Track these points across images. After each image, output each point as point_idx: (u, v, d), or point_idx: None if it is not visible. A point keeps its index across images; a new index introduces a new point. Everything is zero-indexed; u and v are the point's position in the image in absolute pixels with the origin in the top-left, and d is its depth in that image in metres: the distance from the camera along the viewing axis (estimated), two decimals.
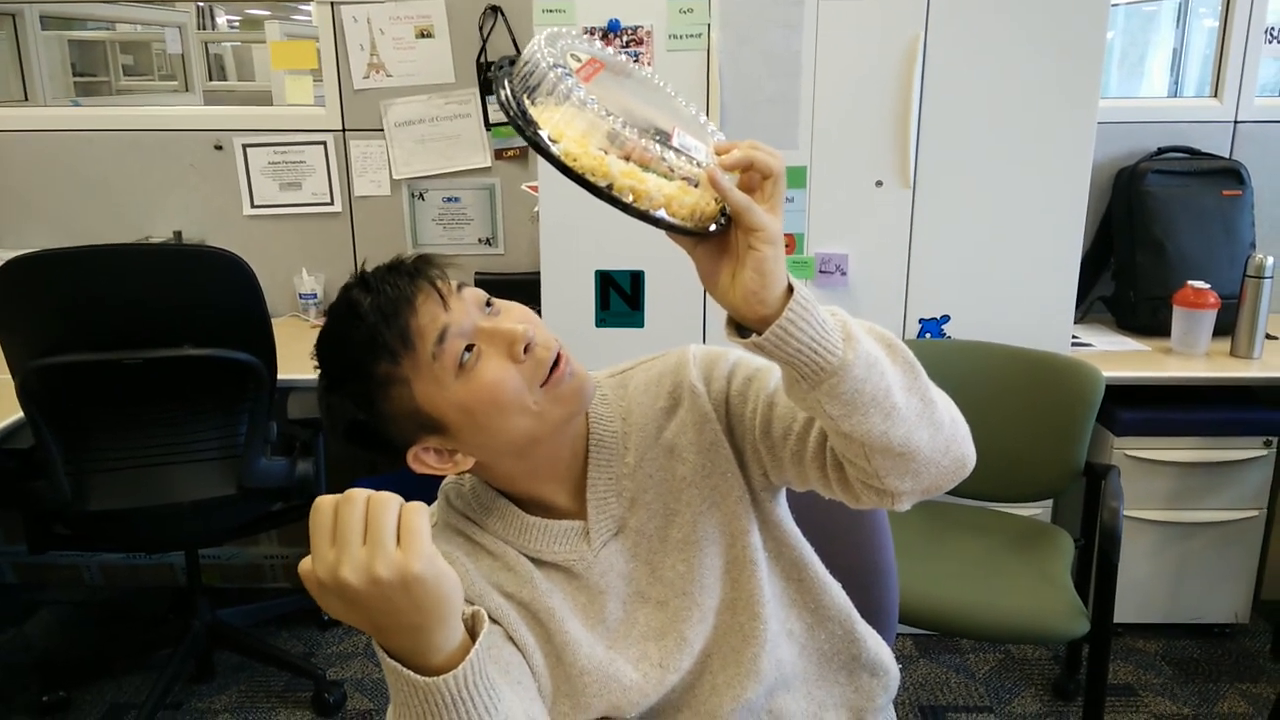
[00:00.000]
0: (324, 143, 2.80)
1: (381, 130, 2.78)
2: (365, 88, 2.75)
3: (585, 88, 0.79)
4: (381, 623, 0.73)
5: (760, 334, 0.80)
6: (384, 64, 2.73)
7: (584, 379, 0.96)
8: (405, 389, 0.91)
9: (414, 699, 0.76)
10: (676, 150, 0.81)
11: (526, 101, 0.80)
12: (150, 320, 1.92)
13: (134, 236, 2.82)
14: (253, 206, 2.85)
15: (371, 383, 0.91)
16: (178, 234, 2.85)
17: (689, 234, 0.81)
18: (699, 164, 0.80)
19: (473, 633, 0.78)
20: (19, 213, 2.86)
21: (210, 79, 5.79)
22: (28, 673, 2.50)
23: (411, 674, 0.75)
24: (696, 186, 0.80)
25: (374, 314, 0.90)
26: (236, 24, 7.03)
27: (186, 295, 1.95)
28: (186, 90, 5.42)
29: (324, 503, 0.72)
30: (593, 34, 2.18)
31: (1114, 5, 2.88)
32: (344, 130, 2.79)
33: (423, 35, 2.71)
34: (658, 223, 0.79)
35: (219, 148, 2.81)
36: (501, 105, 0.81)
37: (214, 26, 6.40)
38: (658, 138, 0.81)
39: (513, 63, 0.84)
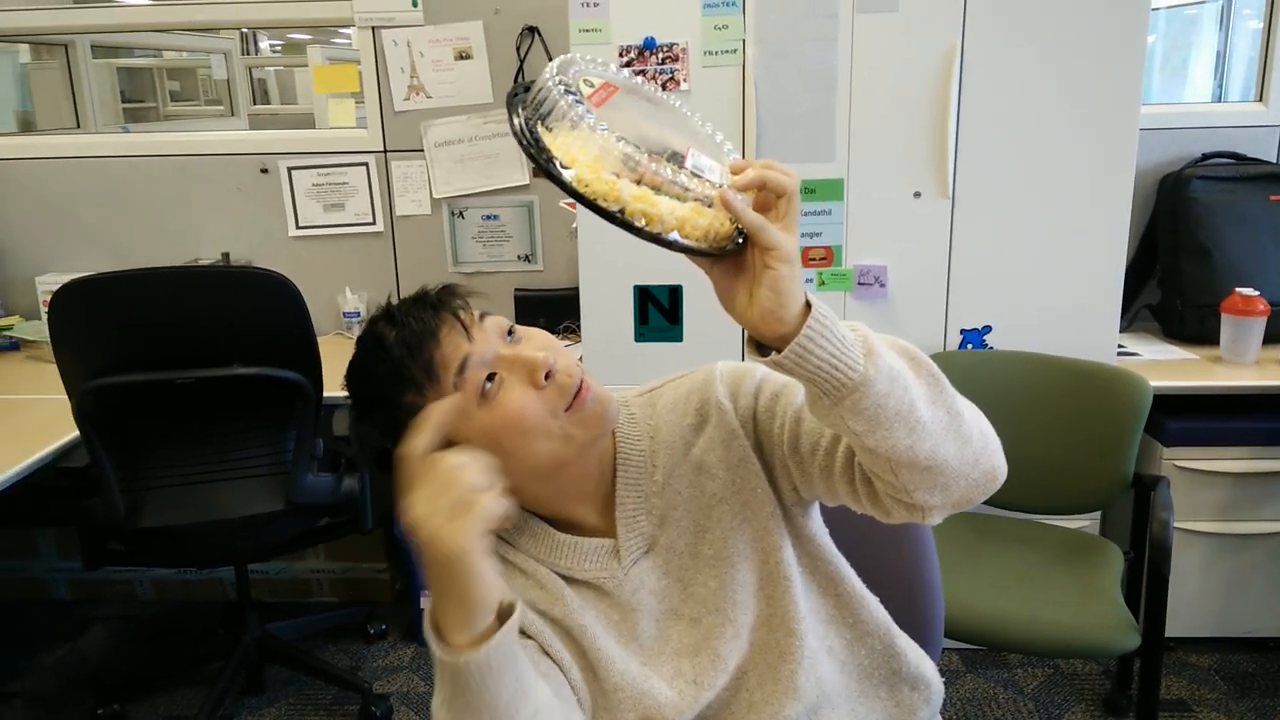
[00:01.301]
0: (366, 164, 2.85)
1: (422, 151, 2.82)
2: (406, 109, 2.80)
3: (597, 113, 0.80)
4: (433, 579, 0.79)
5: (780, 352, 0.80)
6: (424, 86, 2.78)
7: (608, 402, 0.97)
8: None
9: (444, 675, 0.80)
10: (690, 172, 0.81)
11: (541, 129, 0.81)
12: (200, 340, 1.97)
13: (183, 259, 2.89)
14: (298, 227, 2.90)
15: (398, 413, 0.93)
16: (225, 256, 2.91)
17: (704, 255, 0.81)
18: (713, 185, 0.81)
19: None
20: (71, 237, 2.94)
21: (254, 103, 5.93)
22: (83, 687, 2.56)
23: (439, 648, 0.79)
24: (711, 207, 0.80)
25: (399, 347, 0.92)
26: (279, 49, 7.19)
27: (235, 315, 2.00)
28: (232, 114, 5.55)
29: (440, 459, 0.78)
30: (628, 51, 2.20)
31: (1155, 9, 2.85)
32: (385, 151, 2.84)
33: (461, 57, 2.76)
34: (671, 245, 0.79)
35: (265, 171, 2.87)
36: (515, 134, 0.82)
37: (257, 52, 6.55)
38: (672, 159, 0.82)
39: (527, 89, 0.85)
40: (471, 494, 0.76)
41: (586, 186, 0.78)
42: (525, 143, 0.81)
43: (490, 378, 0.93)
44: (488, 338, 0.95)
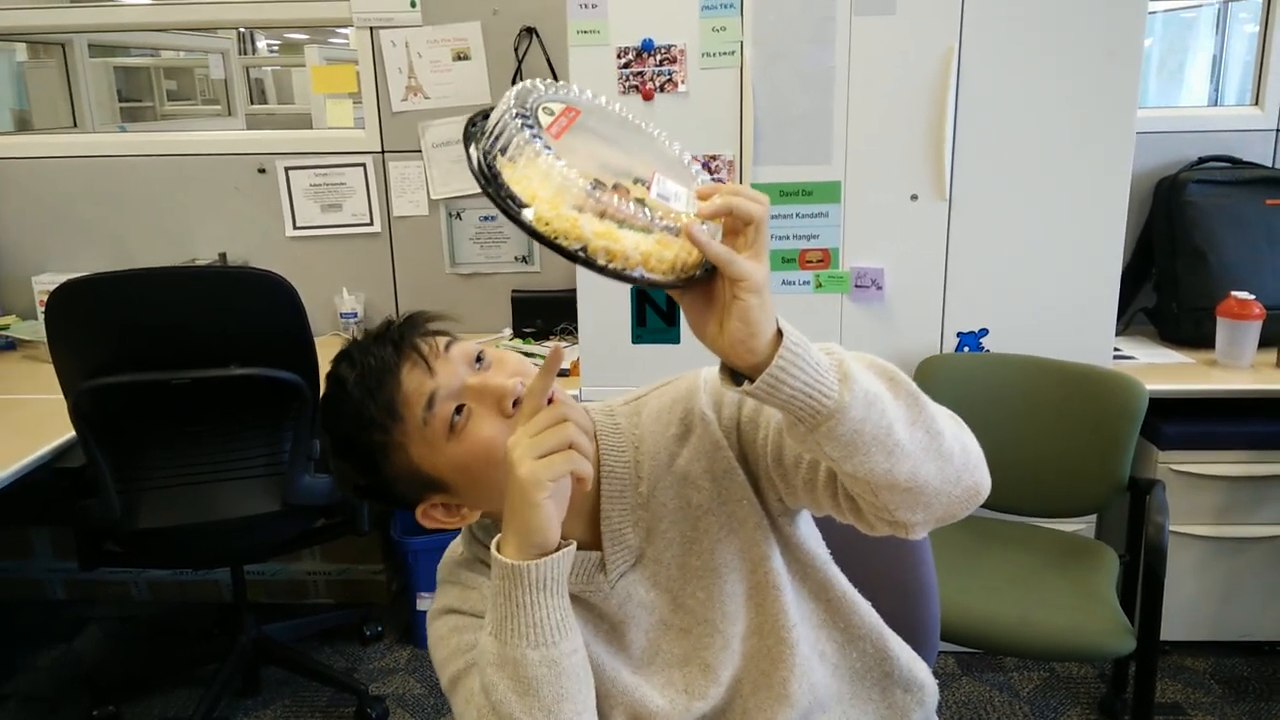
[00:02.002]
0: (363, 164, 2.85)
1: (420, 151, 2.82)
2: (403, 110, 2.80)
3: (559, 143, 0.78)
4: (507, 505, 0.86)
5: (753, 381, 0.78)
6: (422, 86, 2.78)
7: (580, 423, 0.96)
8: (402, 454, 0.93)
9: (499, 596, 0.86)
10: (656, 199, 0.79)
11: (502, 161, 0.78)
12: (197, 341, 1.96)
13: (180, 259, 2.88)
14: (295, 228, 2.90)
15: (369, 451, 0.93)
16: (222, 256, 2.91)
17: (671, 286, 0.79)
18: (679, 213, 0.78)
19: None
20: (68, 236, 2.93)
21: (251, 103, 5.92)
22: (78, 688, 2.55)
23: (503, 559, 0.86)
24: (677, 237, 0.77)
25: (358, 389, 0.92)
26: (276, 49, 7.18)
27: (232, 316, 1.99)
28: (229, 114, 5.54)
29: (559, 404, 0.86)
30: (626, 53, 2.20)
31: (1152, 12, 2.86)
32: (383, 152, 2.84)
33: (459, 58, 2.76)
34: (637, 281, 0.77)
35: (262, 171, 2.87)
36: (471, 170, 0.79)
37: (254, 52, 6.54)
38: (637, 183, 0.80)
39: (486, 116, 0.82)
40: (566, 445, 0.84)
41: (546, 225, 0.75)
42: (482, 180, 0.78)
43: (458, 410, 0.92)
44: (454, 368, 0.93)
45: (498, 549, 0.87)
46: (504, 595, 0.86)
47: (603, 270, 0.76)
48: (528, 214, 0.76)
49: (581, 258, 0.76)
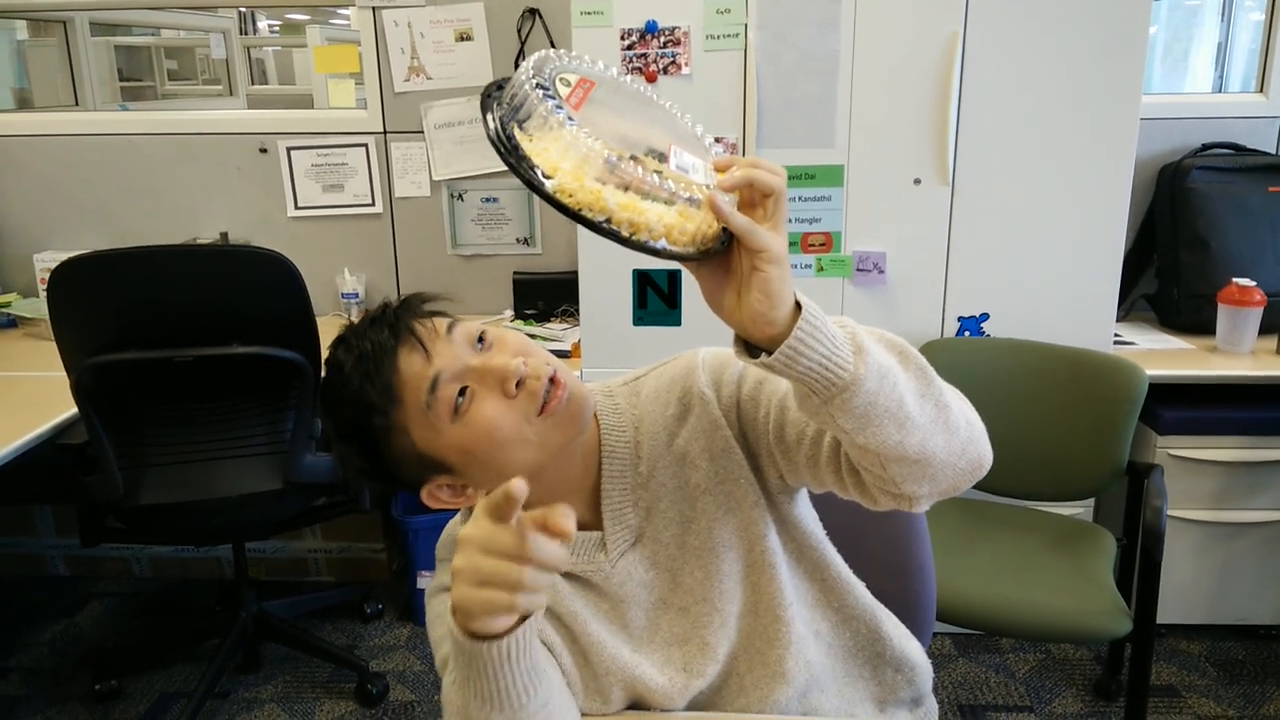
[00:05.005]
0: (365, 145, 2.84)
1: (422, 132, 2.82)
2: (406, 90, 2.79)
3: (579, 115, 0.77)
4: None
5: (769, 353, 0.79)
6: (424, 67, 2.77)
7: (581, 401, 0.95)
8: (404, 437, 0.93)
9: (460, 658, 0.82)
10: (675, 172, 0.79)
11: (520, 133, 0.78)
12: (200, 319, 1.97)
13: (181, 237, 2.88)
14: (296, 208, 2.90)
15: (371, 435, 0.93)
16: (224, 235, 2.90)
17: (692, 259, 0.79)
18: (698, 185, 0.78)
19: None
20: (70, 214, 2.93)
21: (252, 83, 5.90)
22: (80, 663, 2.57)
23: (459, 632, 0.81)
24: (697, 209, 0.77)
25: (357, 373, 0.91)
26: (277, 29, 7.15)
27: (234, 295, 1.99)
28: (230, 94, 5.52)
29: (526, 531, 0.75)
30: (629, 35, 2.20)
31: None
32: (385, 132, 2.84)
33: (462, 38, 2.75)
34: (659, 253, 0.77)
35: (264, 150, 2.87)
36: (490, 139, 0.78)
37: (255, 32, 6.51)
38: (653, 155, 0.80)
39: (501, 87, 0.82)
40: (513, 586, 0.75)
41: (570, 196, 0.75)
42: (503, 150, 0.77)
43: (462, 392, 0.92)
44: (456, 351, 0.93)
45: (453, 613, 0.82)
46: (465, 659, 0.82)
47: (626, 242, 0.76)
48: (550, 185, 0.76)
49: (605, 229, 0.76)
